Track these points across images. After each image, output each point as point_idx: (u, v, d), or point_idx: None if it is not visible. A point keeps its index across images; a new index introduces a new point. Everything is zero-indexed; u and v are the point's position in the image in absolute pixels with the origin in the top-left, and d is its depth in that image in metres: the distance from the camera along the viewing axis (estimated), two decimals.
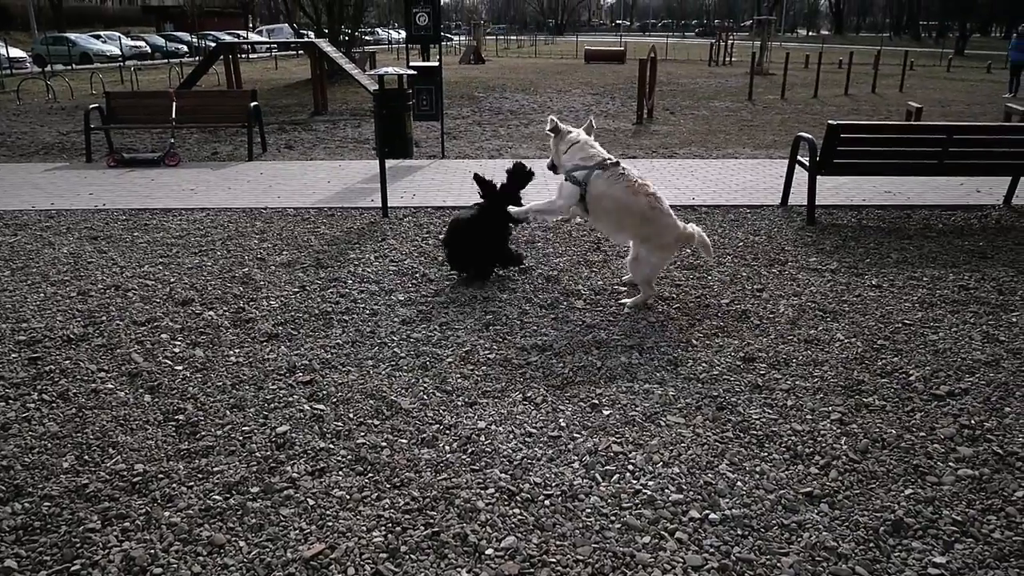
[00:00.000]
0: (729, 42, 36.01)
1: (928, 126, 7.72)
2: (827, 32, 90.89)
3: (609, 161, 5.03)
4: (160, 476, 3.19)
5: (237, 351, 4.42)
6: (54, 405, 3.79)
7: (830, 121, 7.06)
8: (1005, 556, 2.73)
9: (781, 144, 11.78)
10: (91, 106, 10.87)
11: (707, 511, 2.96)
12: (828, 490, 3.10)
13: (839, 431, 3.54)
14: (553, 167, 5.39)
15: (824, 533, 2.84)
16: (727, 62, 34.74)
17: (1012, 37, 22.55)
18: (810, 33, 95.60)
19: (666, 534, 2.84)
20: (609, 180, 4.94)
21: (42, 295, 5.31)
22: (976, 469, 3.24)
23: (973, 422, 3.61)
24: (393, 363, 4.25)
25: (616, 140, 12.46)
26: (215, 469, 3.24)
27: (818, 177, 7.22)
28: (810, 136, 7.44)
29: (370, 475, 3.20)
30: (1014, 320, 4.85)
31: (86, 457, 3.34)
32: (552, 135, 5.31)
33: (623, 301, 5.15)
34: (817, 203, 7.28)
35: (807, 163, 7.30)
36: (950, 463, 3.29)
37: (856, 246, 6.45)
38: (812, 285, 5.49)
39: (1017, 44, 21.00)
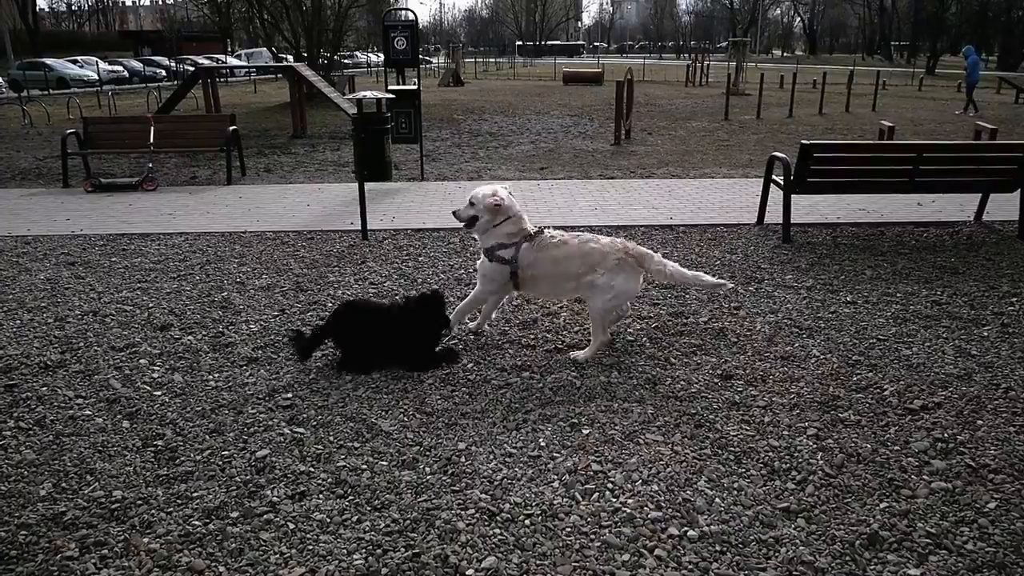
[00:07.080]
0: (705, 63, 36.47)
1: (898, 145, 7.87)
2: (801, 53, 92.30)
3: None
4: (139, 502, 3.17)
5: (216, 376, 4.41)
6: (31, 432, 3.76)
7: (802, 141, 7.16)
8: (978, 567, 2.77)
9: (757, 163, 11.94)
10: (68, 131, 10.83)
11: (686, 528, 2.99)
12: (805, 505, 3.13)
13: (815, 446, 3.58)
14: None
15: (801, 548, 2.87)
16: (703, 83, 35.18)
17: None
18: (784, 54, 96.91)
19: (645, 552, 2.86)
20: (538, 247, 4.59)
21: (18, 322, 5.27)
22: (949, 482, 3.29)
23: (946, 435, 3.66)
24: (373, 386, 4.25)
25: (594, 161, 12.57)
26: (194, 494, 3.23)
27: (793, 196, 7.33)
28: (784, 156, 7.54)
29: (350, 498, 3.20)
30: (985, 334, 4.94)
31: (63, 484, 3.32)
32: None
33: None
34: (792, 221, 7.38)
35: (782, 182, 7.40)
36: (924, 476, 3.34)
37: (831, 263, 6.54)
38: (788, 302, 5.56)
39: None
